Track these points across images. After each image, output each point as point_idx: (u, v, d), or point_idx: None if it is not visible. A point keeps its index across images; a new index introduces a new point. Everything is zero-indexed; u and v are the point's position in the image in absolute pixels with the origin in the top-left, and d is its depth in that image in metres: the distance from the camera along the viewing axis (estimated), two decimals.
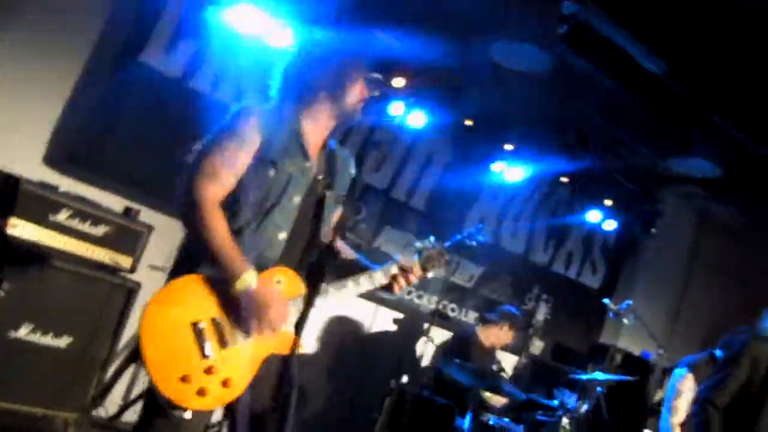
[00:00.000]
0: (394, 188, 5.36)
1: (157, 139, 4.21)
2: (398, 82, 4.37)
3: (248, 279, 1.99)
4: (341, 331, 5.31)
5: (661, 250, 6.55)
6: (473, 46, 4.49)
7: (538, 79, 5.03)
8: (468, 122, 5.17)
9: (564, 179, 5.88)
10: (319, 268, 2.06)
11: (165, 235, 4.02)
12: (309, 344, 5.04)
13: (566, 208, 6.19)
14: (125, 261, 3.59)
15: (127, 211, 3.76)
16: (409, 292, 5.49)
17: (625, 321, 4.98)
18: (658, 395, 5.75)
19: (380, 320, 5.46)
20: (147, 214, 3.98)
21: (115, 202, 3.93)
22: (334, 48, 2.29)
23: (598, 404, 4.78)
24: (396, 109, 4.80)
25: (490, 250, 5.84)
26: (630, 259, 6.57)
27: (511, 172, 5.61)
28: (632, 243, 6.48)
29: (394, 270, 2.24)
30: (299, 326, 2.06)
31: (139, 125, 4.18)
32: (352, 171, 2.41)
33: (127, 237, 3.61)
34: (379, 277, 2.23)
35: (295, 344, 1.93)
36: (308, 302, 1.94)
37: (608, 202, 6.06)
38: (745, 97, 4.79)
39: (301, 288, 2.13)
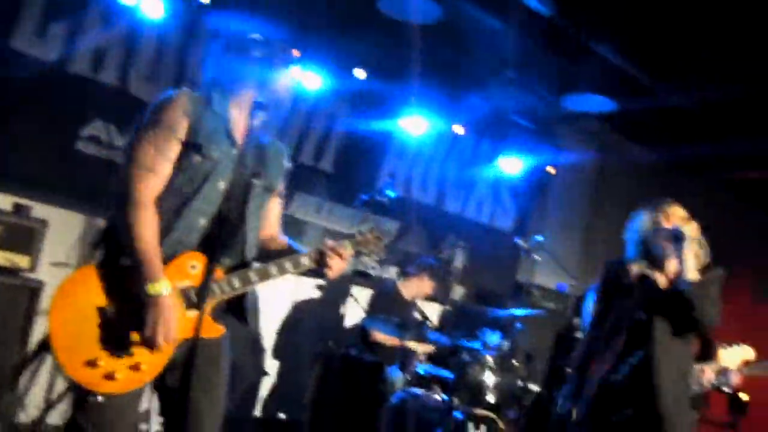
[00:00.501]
0: (301, 153, 5.31)
1: (40, 130, 3.99)
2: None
3: (161, 287, 1.98)
4: (265, 302, 5.29)
5: (567, 187, 6.80)
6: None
7: (431, 29, 5.06)
8: (360, 73, 5.13)
9: (466, 126, 5.96)
10: (242, 257, 2.12)
11: (62, 229, 3.86)
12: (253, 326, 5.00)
13: (472, 154, 6.30)
14: (23, 261, 3.43)
15: (18, 208, 3.58)
16: None
17: (537, 257, 5.17)
18: (575, 322, 6.04)
19: (302, 288, 5.45)
20: (40, 210, 3.80)
21: (2, 200, 3.72)
22: (253, 37, 2.25)
23: (518, 339, 4.98)
24: (312, 82, 4.75)
25: (403, 205, 5.90)
26: (538, 198, 6.79)
27: (414, 124, 5.65)
28: (538, 182, 6.69)
29: (312, 255, 2.23)
30: (236, 309, 2.22)
31: (19, 117, 3.94)
32: (287, 163, 2.39)
33: (21, 235, 3.44)
34: (305, 261, 2.22)
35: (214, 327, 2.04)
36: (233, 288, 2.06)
37: (511, 145, 6.20)
38: (632, 29, 4.97)
39: (218, 273, 2.11)
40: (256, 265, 2.22)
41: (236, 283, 2.15)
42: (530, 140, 6.34)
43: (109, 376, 1.97)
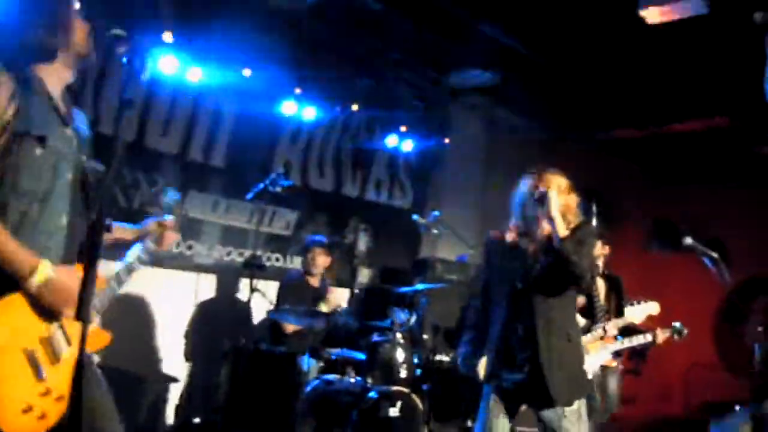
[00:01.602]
0: (189, 150, 5.16)
1: None
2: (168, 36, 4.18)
3: (44, 270, 1.81)
4: (170, 306, 5.13)
5: (460, 161, 6.97)
6: None
7: (313, 11, 5.03)
8: (246, 72, 5.05)
9: (357, 108, 5.97)
10: (93, 247, 1.94)
11: None
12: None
13: (366, 137, 6.34)
14: None
15: None
16: (228, 253, 5.39)
17: (435, 231, 5.29)
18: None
19: (204, 288, 5.33)
20: None
21: None
22: None
23: (425, 313, 5.10)
24: (169, 66, 4.58)
25: (301, 193, 5.87)
26: (433, 174, 6.92)
27: (304, 111, 5.60)
28: (432, 159, 6.82)
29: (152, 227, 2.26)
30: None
31: None
32: (87, 131, 2.16)
33: None
34: (150, 247, 2.23)
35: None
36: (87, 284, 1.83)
37: (403, 126, 6.28)
38: (509, 3, 5.12)
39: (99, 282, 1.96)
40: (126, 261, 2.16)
41: (114, 285, 2.08)
42: (421, 119, 6.44)
43: (43, 416, 1.81)
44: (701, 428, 7.31)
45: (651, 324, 4.38)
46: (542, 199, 2.83)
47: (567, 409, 2.83)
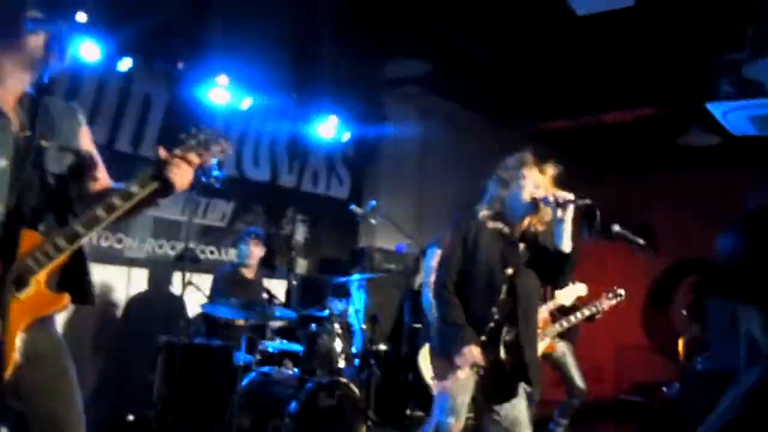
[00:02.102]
0: (117, 140, 4.99)
1: None
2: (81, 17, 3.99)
3: None
4: (100, 301, 4.97)
5: (396, 150, 6.98)
6: None
7: (245, 2, 4.94)
8: (178, 64, 4.93)
9: (294, 99, 5.90)
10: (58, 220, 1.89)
11: None
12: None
13: (302, 127, 6.26)
14: None
15: None
16: (161, 246, 5.25)
17: (373, 221, 5.28)
18: (418, 279, 6.29)
19: (136, 281, 5.18)
20: None
21: None
22: None
23: (363, 303, 5.10)
24: (91, 53, 4.41)
25: (236, 184, 5.77)
26: (370, 164, 6.91)
27: (237, 100, 5.49)
28: (368, 149, 6.81)
29: (152, 171, 1.93)
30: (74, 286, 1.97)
31: None
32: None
33: None
34: (134, 189, 1.90)
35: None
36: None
37: (338, 115, 6.24)
38: None
39: (30, 239, 1.85)
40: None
41: (61, 241, 1.87)
42: (357, 109, 6.42)
43: None
44: (631, 408, 7.61)
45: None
46: (563, 205, 2.87)
47: (536, 391, 3.01)
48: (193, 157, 1.97)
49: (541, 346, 4.51)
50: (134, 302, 5.13)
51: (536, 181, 3.01)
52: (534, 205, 2.97)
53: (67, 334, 4.73)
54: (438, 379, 3.14)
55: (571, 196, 2.89)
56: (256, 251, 5.04)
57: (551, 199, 2.89)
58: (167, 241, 5.29)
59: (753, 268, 1.28)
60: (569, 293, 4.19)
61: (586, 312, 4.50)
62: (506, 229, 3.08)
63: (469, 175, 5.66)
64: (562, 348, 4.86)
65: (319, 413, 3.97)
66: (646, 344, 8.66)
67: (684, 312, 4.82)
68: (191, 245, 4.97)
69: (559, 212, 2.88)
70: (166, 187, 1.96)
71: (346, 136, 6.43)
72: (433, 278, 4.10)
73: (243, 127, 5.88)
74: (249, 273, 5.04)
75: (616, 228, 4.79)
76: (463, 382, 3.01)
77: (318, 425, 3.93)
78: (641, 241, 4.79)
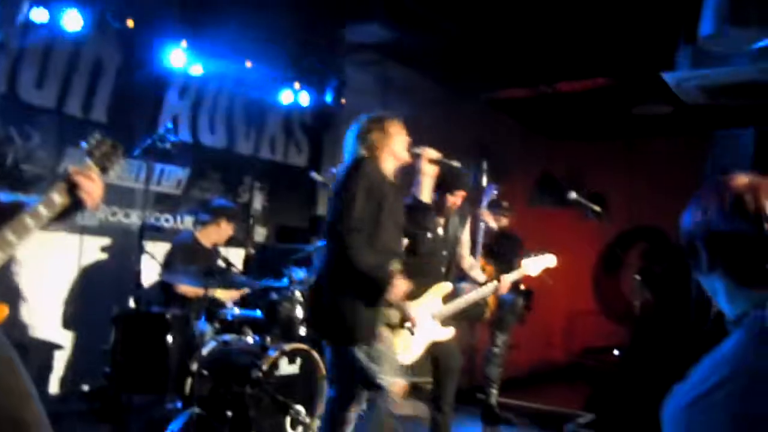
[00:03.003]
0: (66, 104, 4.81)
1: None
2: None
3: None
4: (51, 271, 4.84)
5: (355, 118, 6.91)
6: None
7: None
8: (129, 23, 4.75)
9: (250, 63, 5.76)
10: None
11: None
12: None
13: (259, 93, 6.14)
14: None
15: None
16: (114, 213, 5.12)
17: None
18: None
19: (89, 250, 5.05)
20: None
21: None
22: None
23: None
24: (39, 15, 4.22)
25: (192, 150, 5.65)
26: (329, 131, 6.84)
27: (192, 64, 5.34)
28: (327, 116, 6.73)
29: (61, 188, 1.93)
30: None
31: None
32: None
33: None
34: (57, 199, 1.91)
35: None
36: None
37: (297, 82, 6.13)
38: None
39: None
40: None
41: None
42: (315, 74, 6.32)
43: None
44: (582, 371, 7.85)
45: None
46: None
47: None
48: (95, 172, 2.00)
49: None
50: (87, 271, 5.01)
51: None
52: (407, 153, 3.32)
53: (17, 304, 4.63)
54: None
55: (439, 155, 3.48)
56: (224, 230, 4.96)
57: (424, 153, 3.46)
58: (120, 209, 5.16)
59: (716, 237, 1.31)
60: (537, 264, 4.21)
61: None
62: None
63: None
64: None
65: (280, 380, 3.97)
66: (597, 310, 8.90)
67: (637, 277, 4.96)
68: (146, 213, 4.86)
69: (427, 167, 3.46)
70: (77, 206, 1.98)
71: (304, 102, 6.32)
72: None
73: (198, 93, 5.74)
74: (207, 241, 4.96)
75: (572, 195, 4.89)
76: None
77: (280, 392, 3.93)
78: (595, 208, 4.90)
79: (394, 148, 3.21)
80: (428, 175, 3.57)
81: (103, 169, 2.04)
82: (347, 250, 2.89)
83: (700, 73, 4.65)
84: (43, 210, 1.90)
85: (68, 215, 2.02)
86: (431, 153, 3.47)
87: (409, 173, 3.52)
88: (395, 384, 3.01)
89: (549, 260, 4.25)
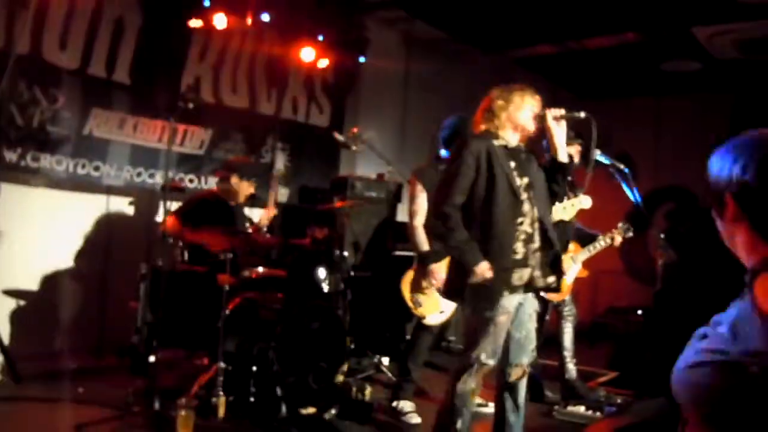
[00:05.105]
0: (90, 64, 4.83)
1: None
2: None
3: None
4: (79, 230, 4.94)
5: (377, 77, 6.86)
6: None
7: None
8: None
9: (271, 21, 5.70)
10: None
11: None
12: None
13: (279, 52, 6.10)
14: None
15: None
16: (139, 174, 5.18)
17: (354, 148, 5.24)
18: (399, 207, 6.30)
19: (115, 210, 5.14)
20: None
21: None
22: None
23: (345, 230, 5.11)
24: None
25: (215, 111, 5.66)
26: (351, 91, 6.79)
27: (213, 23, 5.30)
28: (349, 75, 6.67)
29: None
30: None
31: None
32: None
33: None
34: None
35: None
36: None
37: (318, 38, 6.07)
38: None
39: None
40: None
41: None
42: (338, 32, 6.24)
43: None
44: (605, 330, 7.85)
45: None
46: (558, 119, 3.21)
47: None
48: None
49: (575, 272, 4.62)
50: (114, 230, 5.10)
51: (531, 101, 3.23)
52: (533, 121, 3.21)
53: (46, 265, 4.74)
54: (475, 314, 3.11)
55: (562, 111, 3.22)
56: (242, 187, 4.97)
57: (547, 113, 3.19)
58: (145, 170, 5.21)
59: (748, 191, 1.29)
60: (570, 208, 4.16)
61: (606, 241, 4.65)
62: (509, 143, 3.22)
63: (452, 102, 5.63)
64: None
65: (303, 335, 4.04)
66: (622, 270, 8.84)
67: (662, 236, 4.89)
68: (170, 173, 4.90)
69: (553, 125, 3.20)
70: None
71: (326, 62, 6.26)
72: (413, 207, 4.12)
73: (219, 53, 5.72)
74: (228, 199, 4.99)
75: (597, 153, 4.81)
76: (504, 323, 3.09)
77: (303, 349, 4.00)
78: (622, 167, 4.82)
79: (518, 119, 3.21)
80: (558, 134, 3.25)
81: None
82: None
83: (733, 27, 4.51)
84: None
85: None
86: (554, 112, 3.22)
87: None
88: None
89: (584, 202, 4.24)
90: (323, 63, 6.22)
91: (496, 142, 3.18)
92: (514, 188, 3.09)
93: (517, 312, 3.17)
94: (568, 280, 4.73)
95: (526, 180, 3.15)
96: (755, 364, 1.10)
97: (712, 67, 6.17)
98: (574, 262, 4.68)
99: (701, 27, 4.70)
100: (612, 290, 8.53)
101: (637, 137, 8.44)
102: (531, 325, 3.25)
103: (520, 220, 3.09)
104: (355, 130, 5.18)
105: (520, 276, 3.10)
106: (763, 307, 1.13)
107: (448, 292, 3.27)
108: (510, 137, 3.22)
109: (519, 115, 3.19)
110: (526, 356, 3.22)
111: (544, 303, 4.70)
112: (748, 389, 1.12)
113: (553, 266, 3.17)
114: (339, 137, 5.17)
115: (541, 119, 3.20)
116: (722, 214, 1.33)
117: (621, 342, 6.57)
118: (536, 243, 3.14)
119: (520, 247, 3.08)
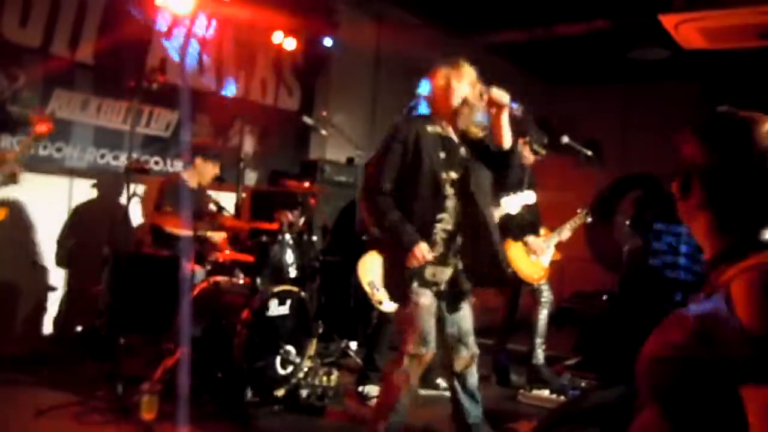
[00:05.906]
0: (52, 43, 4.71)
1: None
2: None
3: None
4: (42, 213, 4.83)
5: (348, 60, 6.80)
6: None
7: None
8: None
9: (239, 3, 5.61)
10: None
11: None
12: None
13: (248, 34, 6.00)
14: None
15: None
16: (103, 156, 5.08)
17: (324, 132, 5.20)
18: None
19: (79, 192, 5.03)
20: None
21: None
22: None
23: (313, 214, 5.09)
24: None
25: (181, 92, 5.55)
26: (321, 74, 6.73)
27: (181, 5, 5.19)
28: (319, 58, 6.61)
29: None
30: None
31: None
32: None
33: None
34: None
35: None
36: None
37: (287, 20, 5.98)
38: None
39: None
40: None
41: None
42: (308, 14, 6.17)
43: None
44: (570, 315, 7.95)
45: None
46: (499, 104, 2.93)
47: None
48: None
49: (550, 255, 4.66)
50: (77, 213, 5.00)
51: (470, 82, 3.03)
52: (471, 104, 2.99)
53: (7, 248, 4.63)
54: (398, 302, 3.01)
55: (506, 96, 2.97)
56: (207, 169, 4.92)
57: (487, 97, 2.94)
58: (110, 151, 5.11)
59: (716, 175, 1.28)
60: (516, 201, 4.22)
61: (572, 225, 4.71)
62: (445, 132, 3.02)
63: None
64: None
65: (270, 320, 4.02)
66: (589, 256, 8.94)
67: (627, 223, 4.97)
68: (134, 155, 4.82)
69: (494, 110, 2.96)
70: None
71: (295, 44, 6.19)
72: None
73: (184, 37, 5.60)
74: (192, 182, 4.93)
75: (565, 139, 4.86)
76: (428, 306, 2.92)
77: (269, 334, 3.98)
78: (589, 153, 4.87)
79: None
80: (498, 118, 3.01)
81: None
82: None
83: (698, 15, 4.56)
84: None
85: None
86: (497, 93, 2.96)
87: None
88: None
89: (528, 197, 4.28)
90: (292, 44, 6.15)
91: (429, 128, 2.98)
92: (438, 181, 2.90)
93: (441, 309, 3.02)
94: (544, 263, 4.78)
95: (453, 174, 2.95)
96: (728, 371, 1.09)
97: (680, 55, 6.23)
98: (546, 246, 4.72)
99: (666, 14, 4.74)
100: (578, 276, 8.63)
101: (606, 124, 8.53)
102: (465, 323, 3.08)
103: (440, 216, 2.91)
104: (324, 113, 5.13)
105: (434, 273, 2.94)
106: (744, 318, 1.09)
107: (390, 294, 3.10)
108: (445, 123, 3.02)
109: (456, 95, 2.98)
110: (465, 348, 3.07)
111: (516, 287, 4.75)
112: (710, 390, 1.12)
113: (493, 265, 3.00)
114: (308, 120, 5.13)
115: (487, 101, 2.95)
116: (686, 196, 1.30)
117: (586, 326, 6.66)
118: (461, 242, 2.98)
119: (439, 245, 2.93)
